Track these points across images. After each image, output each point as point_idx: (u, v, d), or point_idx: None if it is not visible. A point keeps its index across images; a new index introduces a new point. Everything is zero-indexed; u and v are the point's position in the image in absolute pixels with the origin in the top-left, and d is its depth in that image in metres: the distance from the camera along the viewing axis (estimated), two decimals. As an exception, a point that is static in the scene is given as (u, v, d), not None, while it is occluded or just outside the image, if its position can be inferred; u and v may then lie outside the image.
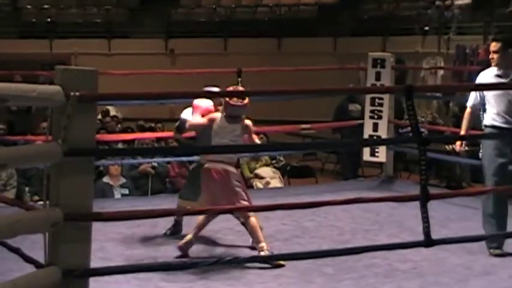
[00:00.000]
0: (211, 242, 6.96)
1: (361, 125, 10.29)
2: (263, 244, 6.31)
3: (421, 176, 4.29)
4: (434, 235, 4.28)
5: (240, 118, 6.54)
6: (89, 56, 16.65)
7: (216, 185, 6.44)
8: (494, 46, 6.59)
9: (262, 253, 6.26)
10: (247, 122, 6.58)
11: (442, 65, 14.98)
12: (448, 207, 7.82)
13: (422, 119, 12.65)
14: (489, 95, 6.57)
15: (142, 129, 13.51)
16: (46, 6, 18.88)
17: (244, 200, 6.41)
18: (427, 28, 16.13)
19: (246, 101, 6.48)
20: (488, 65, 6.80)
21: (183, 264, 5.50)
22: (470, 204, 7.90)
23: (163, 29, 18.61)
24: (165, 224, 7.10)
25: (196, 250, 6.60)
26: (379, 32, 16.59)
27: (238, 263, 4.05)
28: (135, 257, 6.43)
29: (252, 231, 6.45)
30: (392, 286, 5.79)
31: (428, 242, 4.27)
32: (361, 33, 17.09)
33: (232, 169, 6.50)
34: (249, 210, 6.47)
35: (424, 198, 4.23)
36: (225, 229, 7.25)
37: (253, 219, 6.40)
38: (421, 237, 4.28)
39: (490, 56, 6.65)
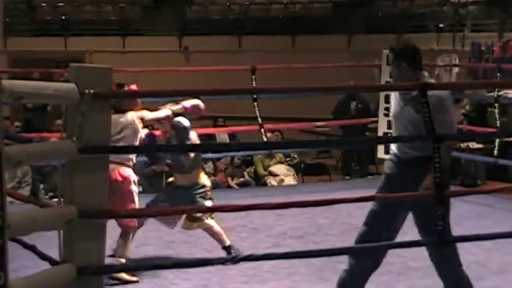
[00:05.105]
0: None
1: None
2: (122, 259, 5.82)
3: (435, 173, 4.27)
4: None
5: (123, 108, 5.86)
6: (103, 54, 16.62)
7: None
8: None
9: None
10: (137, 114, 5.91)
11: (457, 62, 14.89)
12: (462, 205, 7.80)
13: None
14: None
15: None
16: (61, 4, 18.90)
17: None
18: (441, 25, 16.06)
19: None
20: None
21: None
22: (483, 202, 7.89)
23: (178, 26, 18.59)
24: None
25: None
26: (394, 29, 16.51)
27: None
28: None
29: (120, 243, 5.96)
30: (405, 284, 5.80)
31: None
32: (376, 30, 17.03)
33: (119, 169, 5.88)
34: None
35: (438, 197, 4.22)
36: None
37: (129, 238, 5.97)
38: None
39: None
